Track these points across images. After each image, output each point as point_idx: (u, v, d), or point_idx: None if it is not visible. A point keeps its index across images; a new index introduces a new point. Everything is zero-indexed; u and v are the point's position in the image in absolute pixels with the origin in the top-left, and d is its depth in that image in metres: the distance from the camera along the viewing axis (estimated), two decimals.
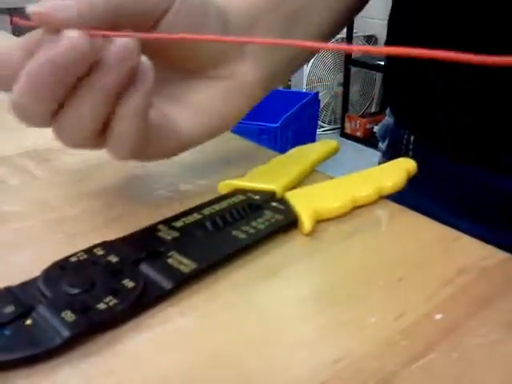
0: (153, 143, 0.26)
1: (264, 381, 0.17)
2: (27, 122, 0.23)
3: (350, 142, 2.53)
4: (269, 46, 0.31)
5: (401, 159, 0.33)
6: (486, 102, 0.36)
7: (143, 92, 0.22)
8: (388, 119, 0.48)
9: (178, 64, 0.28)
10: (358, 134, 2.55)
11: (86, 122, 0.22)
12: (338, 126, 2.65)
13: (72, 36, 0.20)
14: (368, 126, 2.54)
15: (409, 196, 0.41)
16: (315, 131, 2.37)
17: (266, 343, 0.19)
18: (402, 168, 0.31)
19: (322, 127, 2.64)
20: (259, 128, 1.89)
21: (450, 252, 0.24)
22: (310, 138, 2.30)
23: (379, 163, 0.50)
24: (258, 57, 0.30)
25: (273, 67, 0.31)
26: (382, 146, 0.48)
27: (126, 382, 0.17)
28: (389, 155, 0.46)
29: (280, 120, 1.93)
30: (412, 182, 0.35)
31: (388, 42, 0.44)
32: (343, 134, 2.60)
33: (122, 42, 0.21)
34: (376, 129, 2.52)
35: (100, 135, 0.23)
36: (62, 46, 0.20)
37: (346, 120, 2.59)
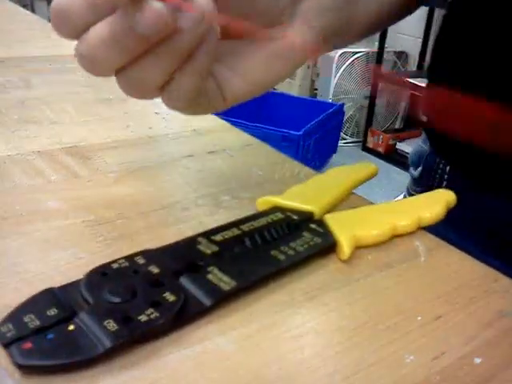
0: (201, 100, 0.26)
1: None
2: (93, 71, 0.23)
3: (371, 156, 2.51)
4: (322, 8, 0.30)
5: (441, 190, 0.33)
6: None
7: (208, 53, 0.23)
8: (422, 145, 0.47)
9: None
10: (380, 149, 2.53)
11: (156, 76, 0.23)
12: (361, 139, 2.64)
13: (158, 9, 0.19)
14: (391, 142, 2.52)
15: (440, 228, 0.40)
16: (337, 143, 2.36)
17: (301, 370, 0.19)
18: (442, 199, 0.31)
19: (344, 139, 2.63)
20: (282, 135, 1.89)
21: (490, 293, 0.24)
22: (332, 149, 2.29)
23: (408, 189, 0.49)
24: (309, 19, 0.30)
25: (327, 30, 0.31)
26: (415, 172, 0.47)
27: None
28: (422, 183, 0.45)
29: (303, 128, 1.93)
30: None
31: (431, 67, 0.44)
32: (365, 148, 2.59)
33: (199, 6, 0.21)
34: (404, 148, 2.51)
35: (162, 86, 0.24)
36: (148, 18, 0.19)
37: (369, 134, 2.58)
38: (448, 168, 0.42)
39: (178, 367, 0.18)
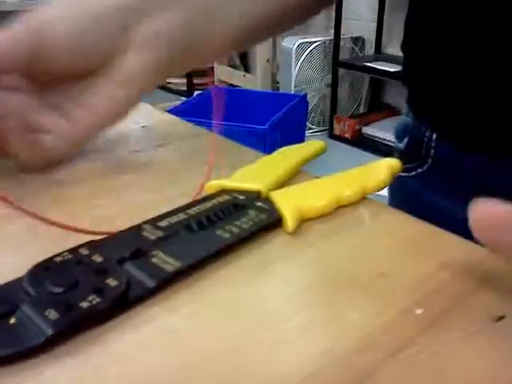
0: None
1: (250, 377, 0.17)
2: None
3: (338, 143, 2.54)
4: (156, 37, 0.33)
5: (385, 159, 0.33)
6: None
7: None
8: (406, 118, 0.47)
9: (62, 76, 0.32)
10: (347, 135, 2.56)
11: None
12: (327, 127, 2.67)
13: None
14: (357, 127, 2.55)
15: (431, 196, 0.41)
16: (304, 133, 2.38)
17: (251, 341, 0.19)
18: (386, 167, 0.31)
19: (311, 129, 2.65)
20: (248, 130, 1.90)
21: (432, 248, 0.25)
22: (299, 139, 2.31)
23: None
24: (144, 49, 0.32)
25: (164, 56, 0.33)
26: (401, 145, 0.47)
27: (112, 381, 0.17)
28: (408, 154, 0.45)
29: (268, 122, 1.94)
30: (433, 179, 0.34)
31: (404, 46, 0.44)
32: (332, 136, 2.61)
33: None
34: (371, 132, 2.54)
35: None
36: None
37: (335, 121, 2.61)
38: (434, 135, 0.42)
39: (123, 350, 0.18)
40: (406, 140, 0.46)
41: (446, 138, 0.41)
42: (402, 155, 0.46)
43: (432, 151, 0.42)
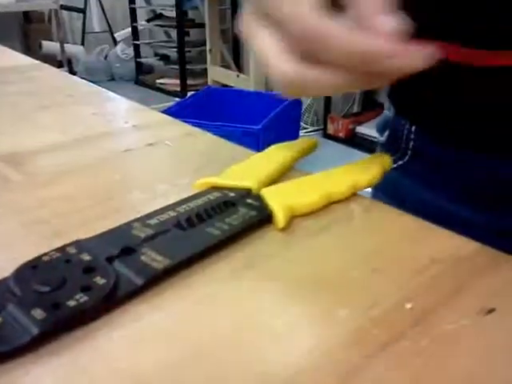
0: None
1: (240, 374, 0.17)
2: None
3: (332, 142, 2.54)
4: None
5: (376, 155, 0.33)
6: (487, 88, 0.35)
7: None
8: (387, 113, 0.47)
9: None
10: (341, 134, 2.56)
11: None
12: (321, 127, 2.67)
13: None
14: (351, 127, 2.56)
15: (415, 188, 0.41)
16: (298, 133, 2.38)
17: (241, 337, 0.19)
18: (377, 163, 0.31)
19: (305, 128, 2.65)
20: (242, 130, 1.90)
21: (423, 243, 0.25)
22: (293, 139, 2.29)
23: None
24: None
25: None
26: (382, 138, 0.48)
27: (99, 379, 0.17)
28: (388, 146, 0.46)
29: (262, 122, 1.94)
30: (413, 171, 0.34)
31: None
32: (326, 135, 2.62)
33: None
34: (364, 132, 2.54)
35: None
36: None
37: (329, 121, 2.61)
38: (414, 128, 0.42)
39: (111, 347, 0.18)
40: (386, 133, 0.47)
41: (423, 132, 0.42)
42: (383, 148, 0.47)
43: (411, 144, 0.42)
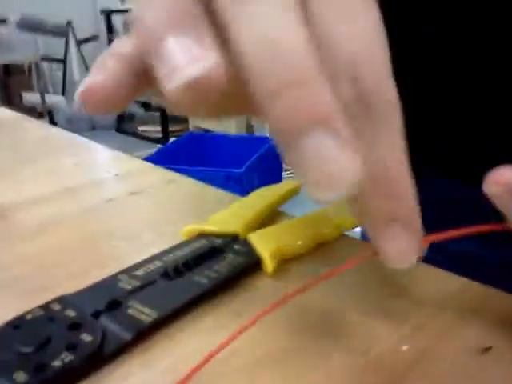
0: None
1: None
2: None
3: None
4: None
5: None
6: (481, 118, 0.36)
7: None
8: None
9: None
10: None
11: None
12: None
13: None
14: None
15: None
16: (281, 174, 2.40)
17: None
18: None
19: (288, 170, 2.67)
20: (225, 174, 1.90)
21: (414, 282, 0.25)
22: (276, 180, 2.32)
23: None
24: None
25: None
26: None
27: None
28: None
29: (245, 165, 1.95)
30: None
31: None
32: None
33: None
34: None
35: None
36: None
37: None
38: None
39: None
40: None
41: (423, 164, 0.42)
42: None
43: None
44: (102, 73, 0.16)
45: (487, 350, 0.20)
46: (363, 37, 0.15)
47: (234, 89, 0.14)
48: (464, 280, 0.24)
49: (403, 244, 0.16)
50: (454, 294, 0.23)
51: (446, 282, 0.24)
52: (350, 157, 0.13)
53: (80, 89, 0.15)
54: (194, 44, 0.14)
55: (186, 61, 0.13)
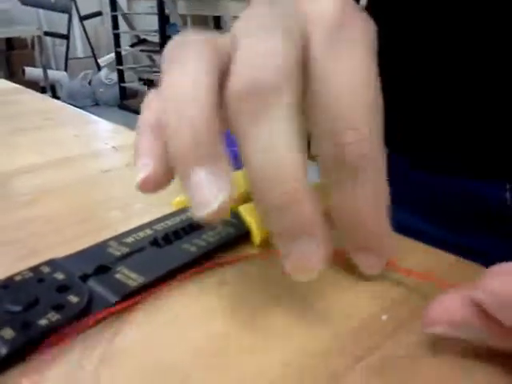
0: None
1: None
2: None
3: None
4: None
5: None
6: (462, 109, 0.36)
7: None
8: None
9: None
10: None
11: None
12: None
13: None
14: None
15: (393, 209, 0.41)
16: None
17: (214, 354, 0.19)
18: None
19: None
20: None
21: (398, 256, 0.25)
22: None
23: None
24: None
25: None
26: None
27: None
28: None
29: None
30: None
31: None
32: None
33: None
34: None
35: None
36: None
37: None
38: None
39: (82, 366, 0.18)
40: None
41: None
42: None
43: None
44: (151, 159, 0.20)
45: None
46: (362, 110, 0.19)
47: None
48: (454, 258, 0.25)
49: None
50: (440, 268, 0.24)
51: (433, 258, 0.25)
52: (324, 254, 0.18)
53: (140, 177, 0.20)
54: (215, 173, 0.19)
55: (212, 197, 0.18)
